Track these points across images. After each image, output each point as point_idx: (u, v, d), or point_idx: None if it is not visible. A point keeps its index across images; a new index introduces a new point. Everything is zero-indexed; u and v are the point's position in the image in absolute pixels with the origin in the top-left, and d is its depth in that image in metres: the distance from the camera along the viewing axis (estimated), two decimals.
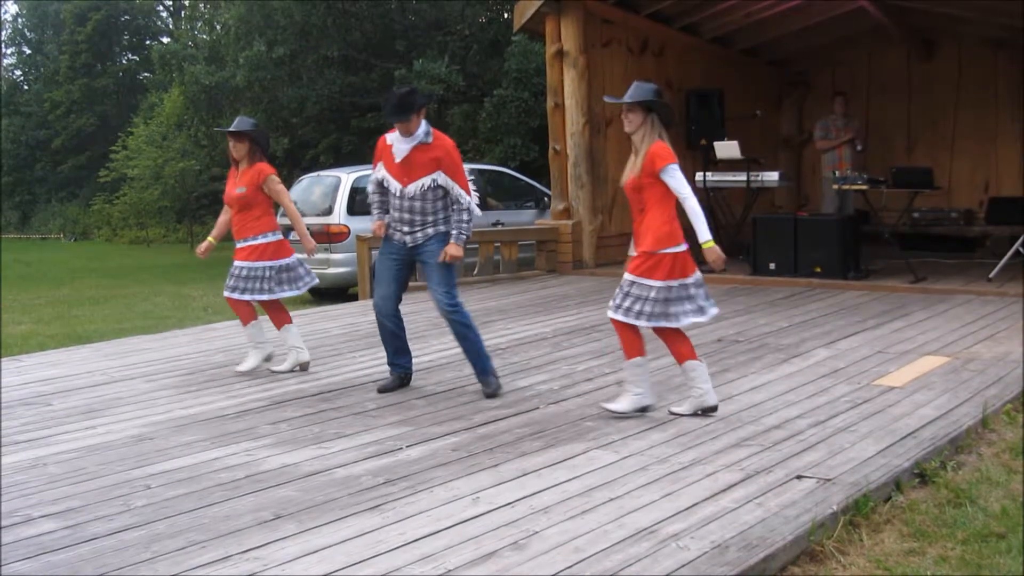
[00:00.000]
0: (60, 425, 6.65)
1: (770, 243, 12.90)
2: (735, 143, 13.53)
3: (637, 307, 6.31)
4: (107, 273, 25.34)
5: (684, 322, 6.36)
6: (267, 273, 8.05)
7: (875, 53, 16.95)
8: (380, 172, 7.32)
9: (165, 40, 45.85)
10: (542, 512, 4.78)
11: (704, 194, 14.03)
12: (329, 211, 15.15)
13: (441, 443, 6.03)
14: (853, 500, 4.92)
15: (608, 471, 5.40)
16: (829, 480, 5.18)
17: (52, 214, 50.78)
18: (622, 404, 6.53)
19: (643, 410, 6.53)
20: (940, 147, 16.46)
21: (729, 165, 13.80)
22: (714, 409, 6.48)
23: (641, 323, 6.34)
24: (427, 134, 7.16)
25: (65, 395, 7.55)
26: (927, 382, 7.30)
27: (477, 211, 7.28)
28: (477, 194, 7.35)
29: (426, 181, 7.12)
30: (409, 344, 7.64)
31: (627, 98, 6.34)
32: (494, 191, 17.01)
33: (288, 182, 8.64)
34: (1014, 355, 8.08)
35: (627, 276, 6.41)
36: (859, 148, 14.45)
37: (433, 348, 8.89)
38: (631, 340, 6.45)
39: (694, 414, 6.48)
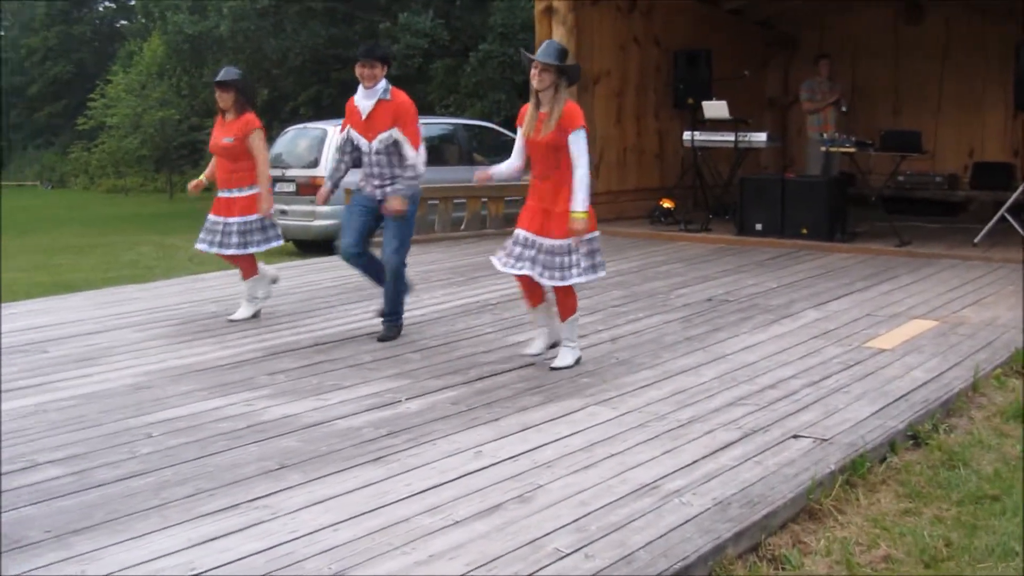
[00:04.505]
0: (56, 372, 6.66)
1: (757, 204, 12.92)
2: (723, 103, 13.51)
3: (595, 259, 6.69)
4: (86, 222, 25.20)
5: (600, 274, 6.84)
6: (261, 223, 8.21)
7: (862, 16, 16.91)
8: (348, 132, 7.66)
9: None
10: (545, 466, 4.83)
11: (691, 153, 14.09)
12: (315, 163, 15.12)
13: (440, 396, 6.07)
14: (850, 460, 4.98)
15: (608, 427, 5.46)
16: (825, 440, 5.24)
17: (28, 161, 50.33)
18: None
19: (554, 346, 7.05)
20: (926, 111, 16.45)
21: (716, 125, 13.79)
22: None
23: (590, 277, 6.71)
24: (386, 91, 7.52)
25: (59, 343, 7.54)
26: (917, 345, 7.37)
27: (422, 168, 7.53)
28: (423, 151, 7.59)
29: (384, 136, 7.45)
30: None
31: (543, 57, 6.48)
32: (479, 146, 16.96)
33: (267, 133, 8.70)
34: (1002, 320, 8.16)
35: (586, 235, 6.60)
36: (843, 109, 14.44)
37: (425, 302, 8.90)
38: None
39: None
